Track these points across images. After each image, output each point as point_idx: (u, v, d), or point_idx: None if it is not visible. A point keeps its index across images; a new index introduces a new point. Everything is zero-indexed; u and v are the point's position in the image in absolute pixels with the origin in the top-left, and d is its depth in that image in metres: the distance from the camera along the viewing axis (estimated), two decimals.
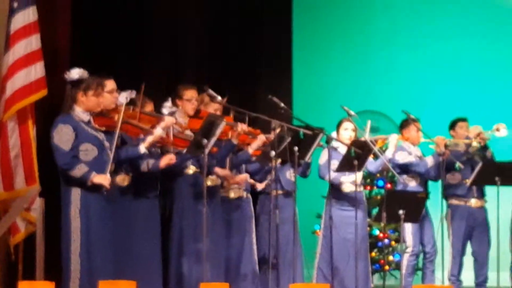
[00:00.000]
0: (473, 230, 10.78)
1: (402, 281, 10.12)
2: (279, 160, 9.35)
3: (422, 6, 14.03)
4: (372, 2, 14.24)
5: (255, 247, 9.67)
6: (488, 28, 13.73)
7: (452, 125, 10.95)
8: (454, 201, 10.82)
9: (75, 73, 7.73)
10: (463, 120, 10.93)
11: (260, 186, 9.98)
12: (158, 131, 8.23)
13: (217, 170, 9.08)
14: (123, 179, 8.20)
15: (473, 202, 10.74)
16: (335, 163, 9.73)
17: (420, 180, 10.55)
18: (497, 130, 10.69)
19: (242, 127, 9.05)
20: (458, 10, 13.88)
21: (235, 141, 8.99)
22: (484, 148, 10.82)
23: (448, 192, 10.79)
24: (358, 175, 9.79)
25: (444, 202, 10.72)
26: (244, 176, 9.50)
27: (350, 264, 9.78)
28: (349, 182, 9.90)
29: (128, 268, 8.25)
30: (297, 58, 13.58)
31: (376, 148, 9.91)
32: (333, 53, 14.00)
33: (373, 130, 10.63)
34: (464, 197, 10.76)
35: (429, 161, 10.51)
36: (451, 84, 13.54)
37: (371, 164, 10.13)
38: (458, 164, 10.50)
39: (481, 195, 10.80)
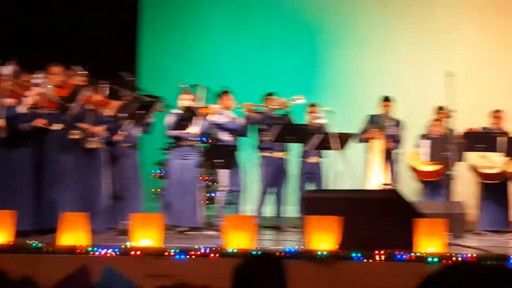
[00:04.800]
0: (277, 175, 11.00)
1: (218, 212, 10.42)
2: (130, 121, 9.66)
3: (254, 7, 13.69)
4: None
5: (109, 186, 9.74)
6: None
7: (265, 97, 11.16)
8: (265, 153, 11.03)
9: None
10: (272, 93, 11.16)
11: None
12: (34, 97, 8.59)
13: (80, 124, 9.29)
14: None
15: (277, 154, 10.98)
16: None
17: (234, 136, 10.69)
18: (295, 100, 10.91)
19: (98, 96, 9.41)
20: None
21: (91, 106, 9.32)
22: (286, 113, 11.04)
23: (260, 147, 11.08)
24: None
25: (256, 154, 11.01)
26: (101, 129, 9.56)
27: (183, 199, 9.98)
28: None
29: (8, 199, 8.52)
30: (144, 40, 13.39)
31: (199, 113, 10.19)
32: (176, 37, 13.60)
33: (201, 99, 10.85)
34: (271, 150, 10.96)
35: (241, 121, 10.73)
36: (263, 64, 13.39)
37: (202, 126, 10.27)
38: (260, 126, 10.85)
39: (283, 149, 11.01)
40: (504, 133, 10.74)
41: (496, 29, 13.28)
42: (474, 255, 7.45)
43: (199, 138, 10.32)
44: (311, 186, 10.93)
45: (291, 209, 10.78)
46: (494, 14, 13.33)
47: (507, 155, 10.43)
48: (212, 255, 7.05)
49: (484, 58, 13.14)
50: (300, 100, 10.95)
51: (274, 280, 3.20)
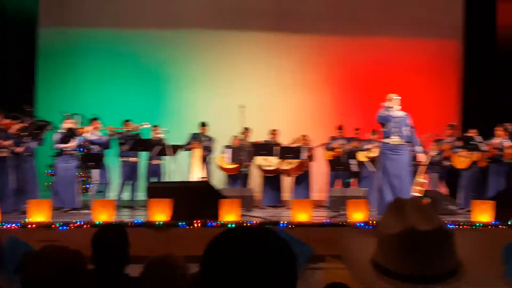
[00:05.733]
0: (132, 172, 10.79)
1: (90, 197, 10.17)
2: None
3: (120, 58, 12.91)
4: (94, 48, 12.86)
5: (14, 181, 9.39)
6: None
7: (123, 122, 10.94)
8: (124, 158, 10.75)
9: None
10: (128, 120, 10.96)
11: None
12: None
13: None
14: None
15: (132, 159, 10.72)
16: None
17: (101, 148, 10.41)
18: (143, 125, 10.87)
19: (6, 120, 9.22)
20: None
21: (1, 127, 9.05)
22: (138, 133, 10.81)
23: (120, 154, 10.85)
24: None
25: (117, 159, 10.80)
26: (8, 142, 9.25)
27: (67, 189, 9.74)
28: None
29: None
30: (40, 81, 12.68)
31: (77, 132, 10.10)
32: (62, 80, 12.76)
33: (78, 123, 10.63)
34: (128, 156, 10.64)
35: (105, 138, 10.47)
36: (123, 99, 12.68)
37: (79, 141, 10.04)
38: (121, 141, 10.68)
39: (136, 156, 10.71)
40: (278, 144, 11.19)
41: (278, 70, 13.15)
42: (257, 221, 7.85)
43: (77, 149, 10.10)
44: (154, 179, 10.83)
45: (141, 195, 10.62)
46: (276, 57, 13.14)
47: (280, 158, 10.96)
48: (85, 226, 7.06)
49: (268, 92, 13.07)
50: (147, 125, 10.88)
51: (118, 240, 3.27)
